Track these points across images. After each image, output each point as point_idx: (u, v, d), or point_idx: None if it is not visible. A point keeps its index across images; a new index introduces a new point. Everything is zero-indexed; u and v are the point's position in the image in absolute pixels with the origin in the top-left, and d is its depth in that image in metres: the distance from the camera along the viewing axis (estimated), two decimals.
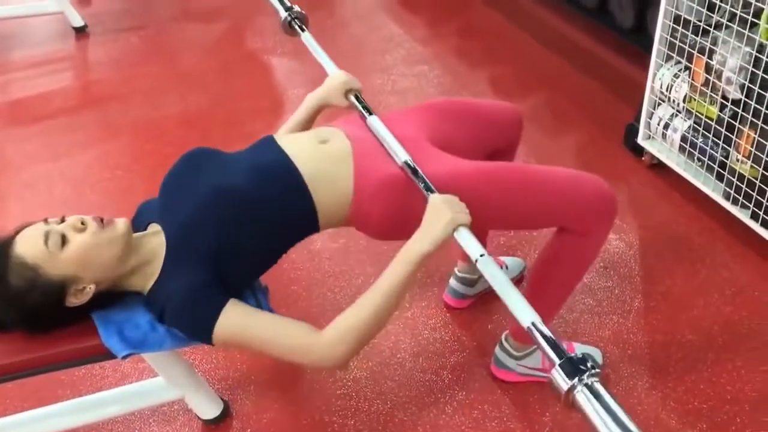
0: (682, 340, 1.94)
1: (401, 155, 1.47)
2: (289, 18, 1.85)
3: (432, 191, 1.38)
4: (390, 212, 1.50)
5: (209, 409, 1.79)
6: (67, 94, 3.50)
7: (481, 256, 1.27)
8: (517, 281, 2.13)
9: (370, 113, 1.59)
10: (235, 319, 1.34)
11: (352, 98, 1.67)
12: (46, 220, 1.36)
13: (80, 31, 3.94)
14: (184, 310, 1.35)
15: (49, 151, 2.98)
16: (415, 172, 1.43)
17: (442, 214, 1.31)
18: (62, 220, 1.37)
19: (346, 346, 1.32)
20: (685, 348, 1.91)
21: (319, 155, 1.52)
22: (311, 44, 1.83)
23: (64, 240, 1.33)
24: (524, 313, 1.19)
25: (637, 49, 2.94)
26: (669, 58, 2.35)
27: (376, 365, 1.92)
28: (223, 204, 1.41)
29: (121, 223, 1.39)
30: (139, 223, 1.55)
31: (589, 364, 1.06)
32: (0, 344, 1.42)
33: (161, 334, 1.42)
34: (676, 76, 2.34)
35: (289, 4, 1.88)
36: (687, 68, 2.28)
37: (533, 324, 1.17)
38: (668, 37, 2.30)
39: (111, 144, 3.00)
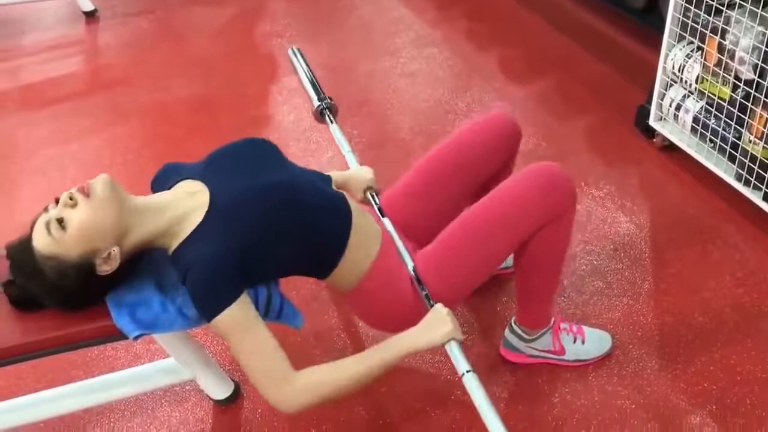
0: (693, 322, 1.93)
1: (409, 262, 1.57)
2: (321, 107, 1.91)
3: (429, 299, 1.49)
4: (390, 302, 1.59)
5: (220, 390, 1.80)
6: (78, 78, 3.51)
7: (467, 372, 1.33)
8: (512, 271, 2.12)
9: (383, 215, 1.66)
10: (239, 318, 1.35)
11: (369, 196, 1.73)
12: (45, 209, 1.37)
13: (90, 16, 3.94)
14: (207, 279, 1.34)
15: (60, 135, 2.99)
16: (419, 280, 1.54)
17: (445, 324, 1.39)
18: (57, 202, 1.37)
19: (309, 398, 1.37)
20: (696, 330, 1.91)
21: (362, 218, 1.58)
22: (338, 136, 1.91)
23: (62, 223, 1.33)
24: None
25: (648, 29, 2.91)
26: (681, 38, 2.33)
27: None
28: (285, 201, 1.43)
29: (99, 183, 1.36)
30: (163, 181, 1.55)
31: None
32: (14, 325, 1.44)
33: (172, 315, 1.43)
34: (688, 56, 2.32)
35: (323, 95, 1.94)
36: (699, 48, 2.26)
37: None
38: (680, 16, 2.28)
39: (121, 128, 3.01)
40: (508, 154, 1.82)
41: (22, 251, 1.37)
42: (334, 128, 1.92)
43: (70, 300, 1.42)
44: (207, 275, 1.34)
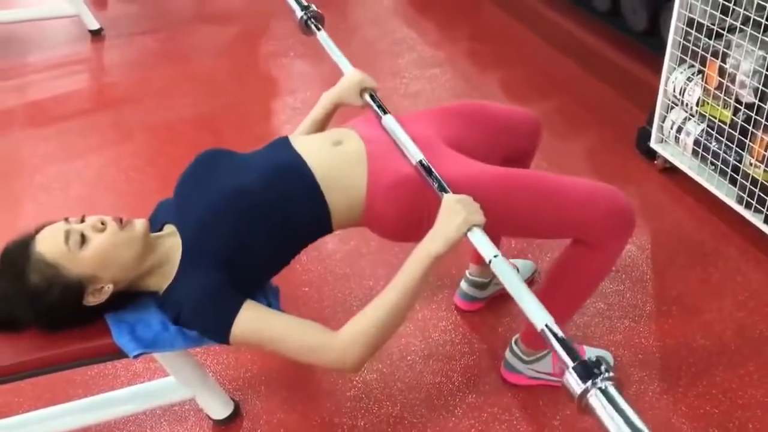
0: (694, 344, 1.93)
1: (415, 155, 1.46)
2: (305, 17, 1.85)
3: (446, 191, 1.37)
4: (403, 212, 1.50)
5: (220, 409, 1.80)
6: (83, 96, 3.53)
7: (495, 257, 1.26)
8: (528, 284, 2.12)
9: (385, 112, 1.58)
10: (252, 318, 1.35)
11: (367, 97, 1.66)
12: (66, 219, 1.38)
13: (96, 34, 3.97)
14: (203, 310, 1.36)
15: (65, 152, 3.01)
16: (429, 171, 1.42)
17: (455, 214, 1.30)
18: (82, 220, 1.38)
19: (360, 348, 1.32)
20: (697, 353, 1.90)
21: (333, 157, 1.52)
22: (327, 43, 1.83)
23: (83, 239, 1.34)
24: (538, 315, 1.19)
25: (649, 52, 2.93)
26: (682, 61, 2.34)
27: (386, 367, 1.93)
28: (236, 205, 1.42)
29: (140, 224, 1.41)
30: (155, 223, 1.56)
31: (603, 368, 1.06)
32: (13, 343, 1.44)
33: (172, 334, 1.43)
34: (689, 79, 2.33)
35: (305, 3, 1.88)
36: (700, 72, 2.27)
37: (547, 326, 1.16)
38: (681, 40, 2.30)
39: (125, 146, 3.03)
40: (528, 147, 1.82)
41: (17, 249, 1.36)
42: (322, 35, 1.82)
43: (44, 315, 1.39)
44: (200, 307, 1.36)
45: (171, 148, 2.97)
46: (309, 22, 1.85)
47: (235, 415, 1.82)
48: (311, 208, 1.48)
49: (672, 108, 2.45)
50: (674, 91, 2.39)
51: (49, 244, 1.34)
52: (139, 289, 1.46)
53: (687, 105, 2.36)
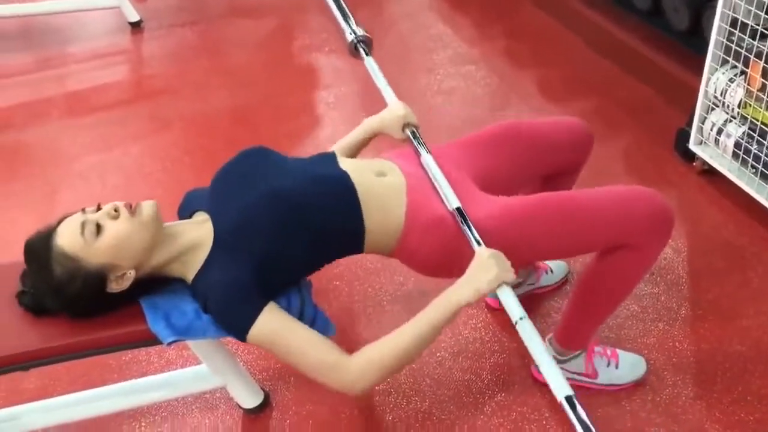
0: (730, 350, 1.89)
1: (453, 201, 1.48)
2: (355, 40, 1.87)
3: (479, 242, 1.40)
4: (437, 252, 1.52)
5: (250, 399, 1.81)
6: (122, 87, 3.59)
7: (521, 318, 1.29)
8: (561, 284, 2.11)
9: (426, 152, 1.60)
10: (272, 323, 1.36)
11: (409, 133, 1.68)
12: (83, 210, 1.40)
13: (135, 26, 4.03)
14: (226, 304, 1.37)
15: (103, 142, 3.05)
16: (464, 220, 1.45)
17: (488, 269, 1.33)
18: (98, 208, 1.40)
19: (369, 377, 1.36)
20: (733, 358, 1.87)
21: (376, 184, 1.54)
22: (373, 70, 1.84)
23: (99, 229, 1.36)
24: (560, 385, 1.20)
25: (690, 52, 2.88)
26: (724, 62, 2.30)
27: (415, 363, 1.92)
28: (278, 207, 1.42)
29: (148, 206, 1.41)
30: (184, 211, 1.58)
31: None
32: (51, 327, 1.47)
33: (205, 323, 1.44)
34: (731, 80, 2.29)
35: (355, 27, 1.89)
36: (743, 73, 2.23)
37: (567, 399, 1.17)
38: (724, 40, 2.25)
39: (162, 137, 3.07)
40: (577, 159, 1.79)
41: (40, 242, 1.39)
42: (369, 61, 1.84)
43: (71, 305, 1.42)
44: (225, 301, 1.37)
45: (207, 140, 3.00)
46: (358, 45, 1.87)
47: (265, 405, 1.83)
48: (348, 224, 1.49)
49: (712, 109, 2.41)
50: (715, 92, 2.34)
51: (66, 237, 1.36)
52: (165, 274, 1.47)
53: (728, 106, 2.32)
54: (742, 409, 1.74)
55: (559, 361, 1.78)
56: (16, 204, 2.70)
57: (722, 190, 2.43)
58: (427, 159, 1.58)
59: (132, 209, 1.39)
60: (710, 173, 2.48)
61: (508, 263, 1.36)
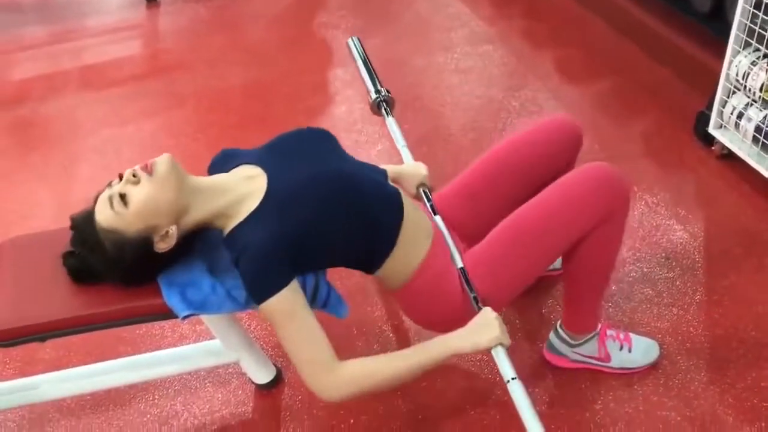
0: (745, 336, 1.88)
1: (458, 261, 1.55)
2: (378, 99, 1.89)
3: (480, 304, 1.47)
4: (440, 301, 1.56)
5: (262, 374, 1.83)
6: (136, 61, 3.59)
7: (513, 379, 1.33)
8: (560, 273, 2.10)
9: (435, 213, 1.65)
10: (289, 302, 1.36)
11: (422, 193, 1.72)
12: (110, 184, 1.41)
13: (151, 1, 4.02)
14: (259, 264, 1.36)
15: (118, 116, 3.06)
16: (467, 280, 1.52)
17: (492, 328, 1.38)
18: (121, 178, 1.40)
19: (350, 390, 1.38)
20: (747, 344, 1.86)
21: (415, 217, 1.56)
22: (393, 130, 1.89)
23: (124, 198, 1.36)
24: None
25: (711, 35, 2.83)
26: (747, 44, 2.26)
27: None
28: (340, 186, 1.43)
29: (162, 162, 1.39)
30: (222, 165, 1.57)
31: None
32: (66, 298, 1.48)
33: (221, 297, 1.45)
34: (753, 63, 2.25)
35: (380, 87, 1.93)
36: (766, 56, 2.19)
37: None
38: (747, 22, 2.21)
39: (176, 112, 3.07)
40: (568, 159, 1.77)
41: (85, 223, 1.41)
42: (390, 121, 1.90)
43: (127, 275, 1.45)
44: (259, 259, 1.35)
45: (221, 116, 2.99)
46: (381, 104, 1.91)
47: (277, 380, 1.85)
48: (385, 240, 1.50)
49: (734, 93, 2.37)
50: (737, 75, 2.31)
51: (101, 214, 1.38)
52: (209, 227, 1.46)
53: (750, 90, 2.28)
54: (756, 395, 1.73)
55: (572, 345, 1.78)
56: (34, 176, 2.72)
57: (741, 175, 2.40)
58: (439, 221, 1.63)
59: (149, 168, 1.39)
60: (729, 157, 2.45)
61: (505, 329, 1.40)
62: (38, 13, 4.07)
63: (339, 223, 1.42)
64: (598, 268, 1.65)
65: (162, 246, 1.41)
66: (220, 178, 1.49)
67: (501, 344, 1.38)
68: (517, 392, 1.31)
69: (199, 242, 1.50)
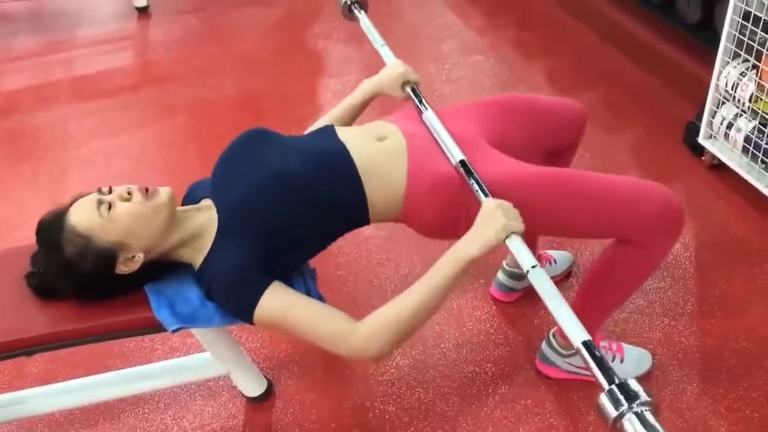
0: (736, 346, 1.88)
1: (456, 154, 1.44)
2: (349, 2, 1.84)
3: (486, 194, 1.35)
4: (441, 212, 1.49)
5: (253, 387, 1.81)
6: (128, 72, 3.58)
7: (533, 267, 1.22)
8: (565, 276, 2.10)
9: (427, 108, 1.56)
10: (277, 301, 1.35)
11: (409, 91, 1.65)
12: (99, 190, 1.40)
13: (142, 12, 4.01)
14: (229, 288, 1.36)
15: (109, 127, 3.05)
16: (469, 173, 1.40)
17: (495, 220, 1.27)
18: (110, 191, 1.40)
19: (381, 341, 1.32)
20: (739, 354, 1.86)
21: (376, 151, 1.52)
22: (369, 30, 1.81)
23: (111, 208, 1.36)
24: (575, 331, 1.15)
25: (701, 45, 2.85)
26: (736, 55, 2.28)
27: (419, 354, 1.92)
28: (279, 186, 1.42)
29: (164, 193, 1.41)
30: (191, 200, 1.57)
31: (641, 393, 1.01)
32: (54, 312, 1.47)
33: (210, 311, 1.44)
34: (742, 74, 2.27)
35: None
36: (755, 67, 2.20)
37: (584, 344, 1.12)
38: (736, 33, 2.23)
39: (167, 123, 3.06)
40: (575, 136, 1.78)
41: (52, 222, 1.39)
42: (364, 21, 1.80)
43: (79, 285, 1.42)
44: (227, 285, 1.36)
45: (212, 126, 2.99)
46: (353, 6, 1.83)
47: (269, 393, 1.83)
48: (350, 198, 1.47)
49: (723, 103, 2.38)
50: (726, 86, 2.32)
51: (81, 215, 1.37)
52: (173, 259, 1.47)
53: (739, 101, 2.30)
54: (748, 405, 1.73)
55: (564, 356, 1.78)
56: (23, 187, 2.70)
57: (731, 185, 2.41)
58: (429, 115, 1.53)
59: (148, 193, 1.39)
60: (719, 168, 2.46)
61: (516, 212, 1.30)
62: (29, 24, 4.06)
63: (298, 217, 1.41)
64: (620, 286, 1.62)
65: (122, 269, 1.40)
66: (182, 213, 1.47)
67: (513, 232, 1.27)
68: (540, 279, 1.21)
69: (171, 273, 1.49)
